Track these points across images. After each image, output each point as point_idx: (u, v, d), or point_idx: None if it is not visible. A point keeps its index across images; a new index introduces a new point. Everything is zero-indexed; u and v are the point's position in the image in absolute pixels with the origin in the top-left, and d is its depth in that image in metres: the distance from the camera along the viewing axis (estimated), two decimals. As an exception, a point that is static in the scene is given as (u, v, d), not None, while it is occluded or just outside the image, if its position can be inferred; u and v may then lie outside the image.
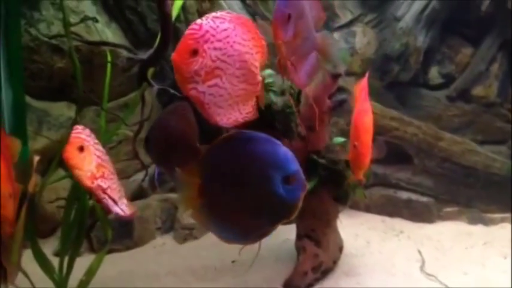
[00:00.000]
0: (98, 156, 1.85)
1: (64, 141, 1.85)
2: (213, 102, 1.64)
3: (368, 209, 3.36)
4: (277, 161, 1.57)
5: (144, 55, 1.95)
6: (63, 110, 2.94)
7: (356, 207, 3.34)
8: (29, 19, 2.75)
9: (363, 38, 3.30)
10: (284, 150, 1.59)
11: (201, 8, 2.73)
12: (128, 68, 2.95)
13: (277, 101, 2.28)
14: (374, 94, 3.18)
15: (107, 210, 1.90)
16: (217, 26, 1.59)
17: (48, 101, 2.92)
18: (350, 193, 2.50)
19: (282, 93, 2.31)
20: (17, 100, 2.57)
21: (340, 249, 2.73)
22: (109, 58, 2.42)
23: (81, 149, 1.81)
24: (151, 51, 1.93)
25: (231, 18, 1.63)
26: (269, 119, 2.29)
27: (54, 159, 2.29)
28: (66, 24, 2.16)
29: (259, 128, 2.34)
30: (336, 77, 2.44)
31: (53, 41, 2.78)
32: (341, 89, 2.68)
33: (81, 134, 1.85)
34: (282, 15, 1.65)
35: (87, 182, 1.79)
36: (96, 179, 1.82)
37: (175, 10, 1.99)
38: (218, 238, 1.64)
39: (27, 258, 1.95)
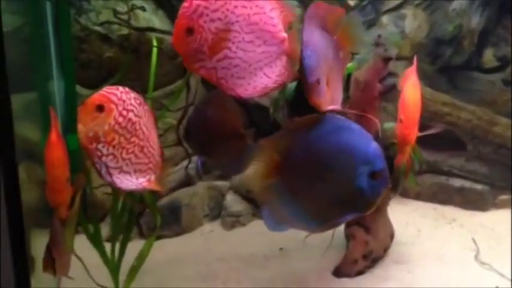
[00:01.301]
0: (119, 123, 1.66)
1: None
2: (229, 75, 1.56)
3: (419, 196, 3.28)
4: (368, 155, 1.57)
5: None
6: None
7: (406, 194, 3.27)
8: (78, 9, 2.79)
9: (413, 21, 3.20)
10: (375, 145, 1.59)
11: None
12: (174, 55, 2.96)
13: (326, 85, 2.23)
14: (425, 79, 3.11)
15: (99, 176, 1.73)
16: None
17: (97, 90, 2.96)
18: (401, 180, 2.44)
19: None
20: (68, 90, 2.63)
21: (391, 236, 2.68)
22: (155, 43, 2.42)
23: (99, 108, 1.63)
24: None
25: None
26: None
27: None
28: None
29: (305, 111, 2.32)
30: (386, 60, 2.38)
31: (102, 31, 2.81)
32: (391, 74, 2.61)
33: (114, 94, 1.66)
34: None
35: (84, 141, 1.64)
36: (99, 142, 1.64)
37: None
38: (283, 220, 1.62)
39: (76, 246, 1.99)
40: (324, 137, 1.59)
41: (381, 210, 2.58)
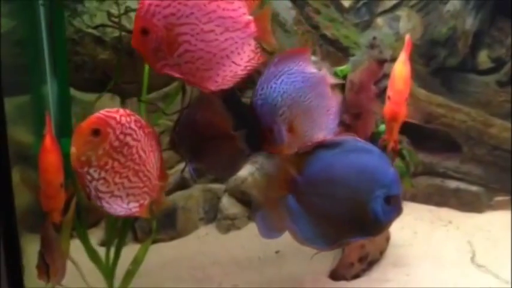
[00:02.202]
0: (114, 148, 1.59)
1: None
2: (195, 69, 1.52)
3: (414, 198, 3.27)
4: (386, 179, 1.57)
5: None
6: (106, 101, 2.95)
7: (402, 196, 3.26)
8: (72, 11, 2.77)
9: (408, 23, 3.20)
10: (393, 170, 1.59)
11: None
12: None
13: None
14: (420, 80, 3.11)
15: (88, 198, 1.65)
16: None
17: (91, 93, 2.95)
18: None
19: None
20: (62, 93, 2.61)
21: (387, 239, 2.67)
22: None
23: (95, 132, 1.56)
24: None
25: None
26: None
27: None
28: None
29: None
30: (381, 62, 2.37)
31: (96, 33, 2.80)
32: (386, 76, 2.60)
33: (112, 118, 1.58)
34: None
35: (75, 164, 1.56)
36: (90, 167, 1.57)
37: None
38: (292, 235, 1.61)
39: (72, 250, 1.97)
40: (343, 156, 1.59)
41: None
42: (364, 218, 1.56)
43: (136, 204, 1.67)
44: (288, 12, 2.87)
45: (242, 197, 3.05)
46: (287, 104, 1.61)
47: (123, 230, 2.27)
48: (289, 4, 2.87)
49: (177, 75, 1.54)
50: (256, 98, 1.59)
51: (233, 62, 1.58)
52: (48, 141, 1.76)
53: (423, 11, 3.22)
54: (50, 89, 2.60)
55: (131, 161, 1.63)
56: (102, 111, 1.60)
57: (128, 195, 1.64)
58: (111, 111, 1.61)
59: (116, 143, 1.58)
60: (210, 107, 1.91)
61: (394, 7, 3.22)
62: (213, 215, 3.11)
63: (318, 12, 2.91)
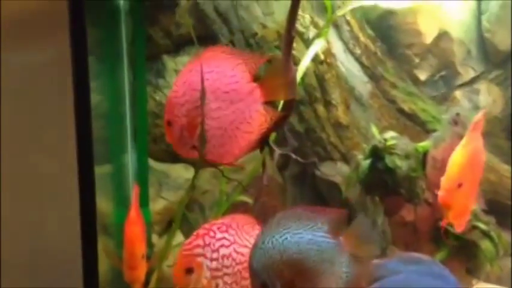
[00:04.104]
0: (215, 269, 1.55)
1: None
2: (212, 147, 1.57)
3: (500, 281, 3.06)
4: None
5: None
6: (181, 171, 3.00)
7: (487, 279, 3.06)
8: (154, 86, 2.89)
9: (488, 96, 3.11)
10: None
11: (318, 71, 2.73)
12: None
13: (402, 165, 2.18)
14: (501, 155, 2.99)
15: None
16: None
17: (167, 163, 3.01)
18: (484, 265, 2.29)
19: (407, 156, 2.20)
20: (140, 163, 2.69)
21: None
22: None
23: (189, 271, 1.53)
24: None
25: None
26: (393, 184, 2.19)
27: (175, 221, 2.33)
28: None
29: (383, 192, 2.25)
30: (464, 138, 2.29)
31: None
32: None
33: (197, 247, 1.54)
34: None
35: None
36: None
37: (298, 77, 1.99)
38: None
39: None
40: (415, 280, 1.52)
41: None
42: None
43: None
44: (363, 86, 2.86)
45: None
46: (286, 262, 1.49)
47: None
48: (365, 78, 2.87)
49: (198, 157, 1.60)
50: (254, 250, 1.50)
51: (245, 132, 1.61)
52: (134, 212, 1.81)
53: (503, 84, 3.13)
54: (130, 159, 2.68)
55: (239, 264, 1.58)
56: (184, 247, 1.56)
57: None
58: (192, 241, 1.56)
59: (214, 264, 1.54)
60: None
61: (473, 80, 3.15)
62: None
63: (394, 86, 2.88)
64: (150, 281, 1.91)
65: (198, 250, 1.51)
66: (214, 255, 1.51)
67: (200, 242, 1.52)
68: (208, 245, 1.52)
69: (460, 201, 1.78)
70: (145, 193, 2.65)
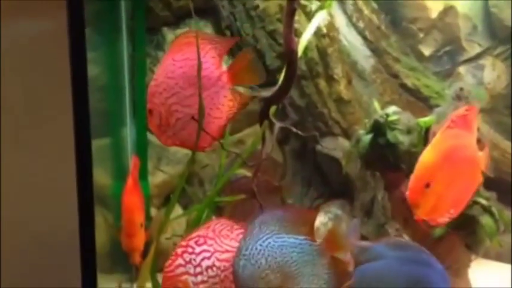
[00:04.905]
0: (201, 282, 1.50)
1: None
2: (187, 135, 1.61)
3: (499, 257, 3.06)
4: None
5: (267, 92, 1.91)
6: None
7: (487, 255, 3.06)
8: (153, 58, 2.85)
9: (492, 72, 3.07)
10: None
11: (320, 44, 2.69)
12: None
13: (404, 140, 2.15)
14: (505, 132, 2.96)
15: None
16: None
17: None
18: (484, 241, 2.27)
19: (408, 131, 2.17)
20: (139, 136, 2.66)
21: (471, 301, 2.49)
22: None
23: None
24: (275, 88, 1.89)
25: None
26: (394, 159, 2.16)
27: (174, 194, 2.31)
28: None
29: (384, 167, 2.22)
30: (467, 114, 2.26)
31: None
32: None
33: (176, 269, 1.50)
34: None
35: None
36: None
37: (300, 51, 1.96)
38: None
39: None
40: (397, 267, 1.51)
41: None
42: None
43: None
44: (366, 60, 2.83)
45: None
46: (271, 267, 1.49)
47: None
48: (368, 52, 2.83)
49: (178, 144, 1.65)
50: (238, 257, 1.48)
51: (215, 118, 1.65)
52: (132, 181, 1.82)
53: (509, 60, 3.09)
54: (129, 133, 2.66)
55: (220, 272, 1.54)
56: (166, 270, 1.51)
57: None
58: (172, 263, 1.51)
59: (199, 278, 1.50)
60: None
61: (478, 56, 3.11)
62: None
63: (397, 60, 2.84)
64: (148, 252, 1.89)
65: (180, 269, 1.48)
66: (198, 269, 1.48)
67: (181, 261, 1.48)
68: (190, 262, 1.48)
69: (430, 200, 1.68)
70: (145, 166, 2.64)
